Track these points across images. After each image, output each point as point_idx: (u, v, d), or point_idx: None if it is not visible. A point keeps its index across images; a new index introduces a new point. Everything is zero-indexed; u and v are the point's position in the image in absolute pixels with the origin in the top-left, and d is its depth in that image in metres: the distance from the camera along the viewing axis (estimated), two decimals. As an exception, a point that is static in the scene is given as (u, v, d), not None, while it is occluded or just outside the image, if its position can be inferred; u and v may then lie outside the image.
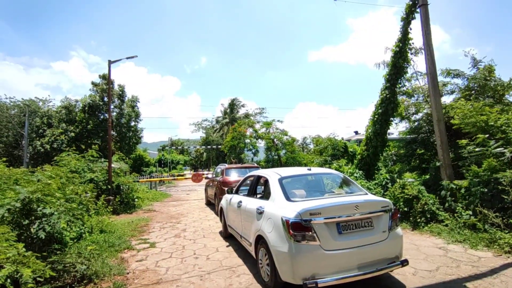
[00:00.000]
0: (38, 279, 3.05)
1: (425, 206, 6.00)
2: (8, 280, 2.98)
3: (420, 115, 10.30)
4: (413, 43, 8.13)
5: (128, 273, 4.14)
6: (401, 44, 7.99)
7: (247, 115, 39.05)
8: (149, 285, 3.74)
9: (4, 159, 6.91)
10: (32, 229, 3.80)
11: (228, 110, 43.15)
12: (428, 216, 5.92)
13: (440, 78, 9.18)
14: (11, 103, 28.10)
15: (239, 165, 10.49)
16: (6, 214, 3.71)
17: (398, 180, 7.16)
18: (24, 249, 3.18)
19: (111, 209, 8.87)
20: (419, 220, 5.95)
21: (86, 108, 26.31)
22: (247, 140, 25.11)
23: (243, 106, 43.75)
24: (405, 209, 6.30)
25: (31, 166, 21.87)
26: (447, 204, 6.06)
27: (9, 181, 5.12)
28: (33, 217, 3.86)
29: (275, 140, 23.93)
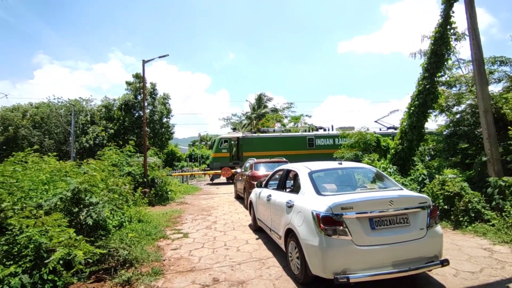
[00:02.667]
0: (88, 260, 3.36)
1: (469, 204, 5.56)
2: (61, 262, 3.32)
3: (463, 106, 9.50)
4: (456, 28, 7.48)
5: (164, 260, 4.40)
6: (442, 29, 7.37)
7: (274, 110, 38.84)
8: (183, 272, 3.94)
9: (55, 153, 7.65)
10: (81, 216, 4.19)
11: (255, 106, 43.30)
12: (472, 215, 5.49)
13: (485, 66, 8.36)
14: (59, 103, 30.89)
15: (268, 159, 10.53)
16: (58, 202, 4.14)
17: (437, 176, 6.70)
18: (74, 234, 3.52)
19: (147, 201, 9.42)
20: (461, 219, 5.54)
21: (123, 106, 28.06)
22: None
23: (269, 100, 43.60)
24: (445, 207, 5.90)
25: (78, 159, 23.96)
26: (494, 203, 5.57)
27: (60, 173, 5.67)
28: (81, 206, 4.25)
29: (303, 134, 23.61)
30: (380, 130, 20.10)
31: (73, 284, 3.42)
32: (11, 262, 3.12)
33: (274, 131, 21.11)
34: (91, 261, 3.49)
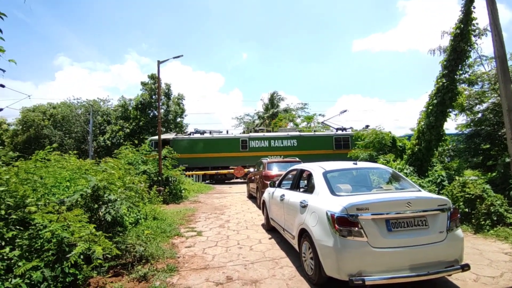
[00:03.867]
0: (106, 255, 3.46)
1: (491, 207, 5.34)
2: (81, 257, 3.45)
3: (485, 105, 9.13)
4: (477, 24, 7.20)
5: (178, 257, 4.48)
6: (462, 26, 7.12)
7: (287, 110, 38.74)
8: (197, 270, 4.00)
9: (75, 152, 7.95)
10: (100, 213, 4.33)
11: (268, 105, 43.29)
12: (495, 218, 5.27)
13: (509, 63, 8.01)
14: (78, 104, 32.04)
15: (281, 159, 10.51)
16: (79, 199, 4.29)
17: (456, 178, 6.47)
18: (94, 230, 3.64)
19: (162, 199, 9.61)
20: (483, 222, 5.33)
21: (138, 106, 28.77)
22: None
23: (282, 100, 43.49)
24: (466, 210, 5.69)
25: (96, 158, 24.81)
26: (518, 206, 5.32)
27: (80, 171, 5.88)
28: (100, 202, 4.39)
29: (316, 134, 23.36)
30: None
31: (92, 278, 3.54)
32: (34, 256, 3.26)
33: (210, 132, 20.92)
34: (109, 256, 3.59)
